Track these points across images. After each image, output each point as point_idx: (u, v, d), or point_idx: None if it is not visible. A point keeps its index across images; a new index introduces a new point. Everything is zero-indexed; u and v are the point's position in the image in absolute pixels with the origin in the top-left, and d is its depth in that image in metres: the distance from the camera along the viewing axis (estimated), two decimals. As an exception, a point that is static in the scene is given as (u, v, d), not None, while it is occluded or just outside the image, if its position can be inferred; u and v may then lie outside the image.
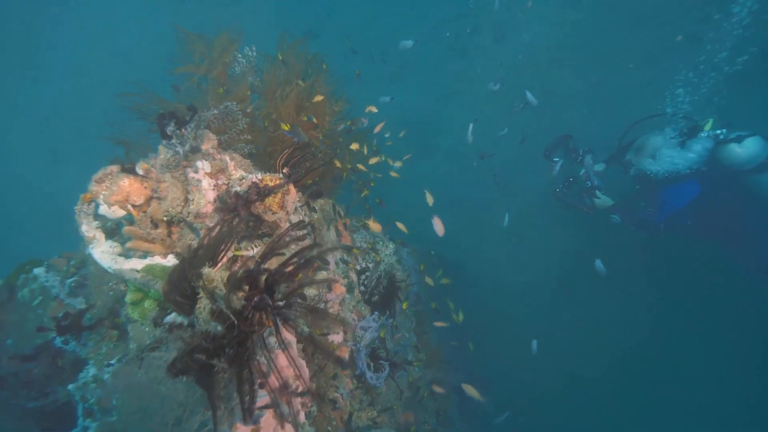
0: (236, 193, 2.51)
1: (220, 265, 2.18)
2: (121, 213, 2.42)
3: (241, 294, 1.62)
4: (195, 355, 1.52)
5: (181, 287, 1.68)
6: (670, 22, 11.86)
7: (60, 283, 3.06)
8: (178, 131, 2.73)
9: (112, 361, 2.66)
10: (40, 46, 19.00)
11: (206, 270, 1.73)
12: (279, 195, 2.68)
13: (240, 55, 4.62)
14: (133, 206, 2.43)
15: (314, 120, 3.95)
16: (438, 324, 5.22)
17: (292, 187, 2.85)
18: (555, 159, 6.99)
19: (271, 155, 3.87)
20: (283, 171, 2.88)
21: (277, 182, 2.72)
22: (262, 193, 2.47)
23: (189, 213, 2.54)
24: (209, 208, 2.61)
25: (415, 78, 14.76)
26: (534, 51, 13.88)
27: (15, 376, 3.90)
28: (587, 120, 12.25)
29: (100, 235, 2.44)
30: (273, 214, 2.70)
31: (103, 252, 2.39)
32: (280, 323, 1.72)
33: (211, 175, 2.72)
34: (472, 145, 10.00)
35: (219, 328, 1.68)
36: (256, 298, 1.60)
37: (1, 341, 3.87)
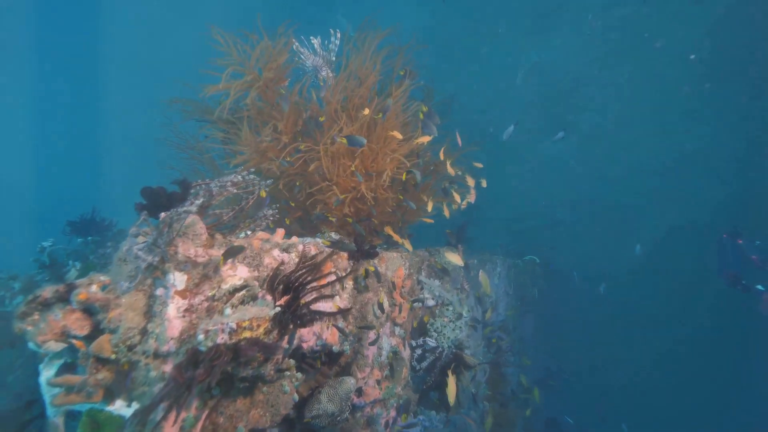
0: (196, 357, 1.72)
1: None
2: (61, 346, 1.87)
3: None
4: None
5: None
6: None
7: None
8: (147, 225, 1.99)
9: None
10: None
11: None
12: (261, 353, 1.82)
13: (305, 51, 3.58)
14: (75, 338, 1.85)
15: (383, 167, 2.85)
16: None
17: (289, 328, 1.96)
18: (759, 287, 4.86)
19: (312, 207, 2.96)
20: (280, 302, 1.97)
21: (262, 329, 1.85)
22: (220, 364, 1.64)
23: (144, 352, 1.87)
24: (172, 346, 1.90)
25: (570, 28, 11.38)
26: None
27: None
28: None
29: (56, 346, 1.95)
30: (252, 369, 1.89)
31: (47, 380, 1.93)
32: None
33: (184, 293, 1.96)
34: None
35: None
36: None
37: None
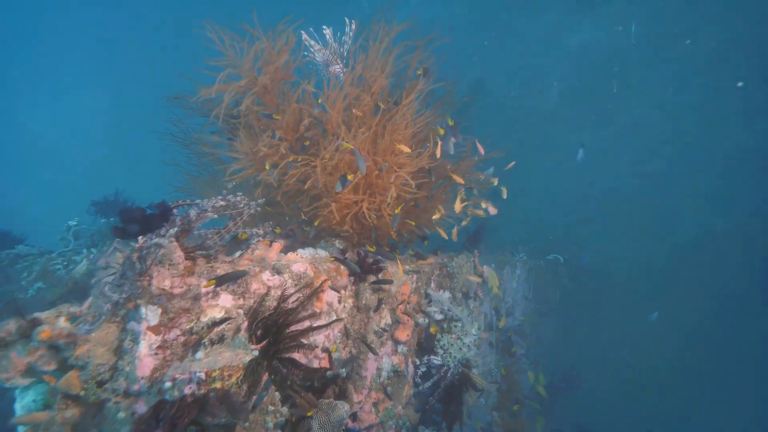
0: (160, 407, 1.59)
1: None
2: (29, 380, 1.78)
3: None
4: None
5: None
6: None
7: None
8: (120, 251, 1.84)
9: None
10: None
11: None
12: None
13: (315, 43, 3.28)
14: (44, 373, 1.76)
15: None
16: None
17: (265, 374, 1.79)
18: None
19: (312, 219, 2.77)
20: (257, 347, 1.79)
21: (234, 378, 1.69)
22: (181, 424, 1.49)
23: (114, 391, 1.76)
24: (142, 385, 1.78)
25: (614, 7, 10.27)
26: None
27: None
28: None
29: (23, 381, 1.87)
30: (225, 418, 1.75)
31: (22, 408, 1.86)
32: None
33: (157, 328, 1.82)
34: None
35: None
36: None
37: None
